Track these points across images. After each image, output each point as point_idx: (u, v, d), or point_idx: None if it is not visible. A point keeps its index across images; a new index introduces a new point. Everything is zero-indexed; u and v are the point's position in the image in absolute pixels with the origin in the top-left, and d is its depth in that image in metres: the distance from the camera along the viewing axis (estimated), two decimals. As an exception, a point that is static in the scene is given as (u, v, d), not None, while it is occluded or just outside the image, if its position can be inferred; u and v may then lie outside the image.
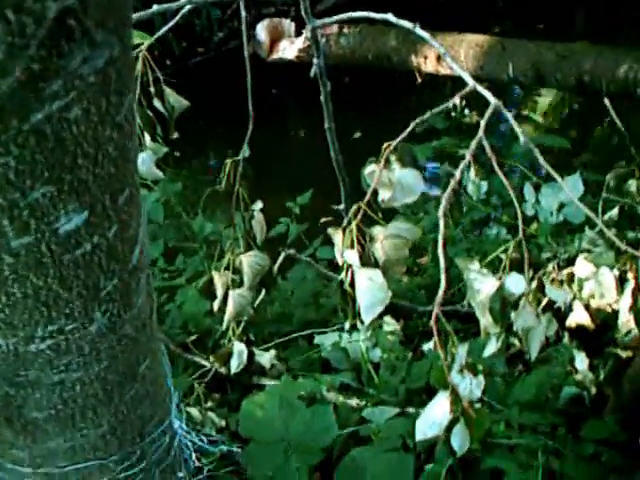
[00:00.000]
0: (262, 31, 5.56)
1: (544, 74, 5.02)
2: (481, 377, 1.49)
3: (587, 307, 2.40)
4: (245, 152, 2.22)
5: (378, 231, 1.70)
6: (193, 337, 2.95)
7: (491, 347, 1.71)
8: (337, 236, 1.73)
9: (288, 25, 5.43)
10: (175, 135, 2.17)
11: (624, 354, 2.35)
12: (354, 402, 2.47)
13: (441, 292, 1.45)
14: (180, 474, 1.83)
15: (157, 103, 2.08)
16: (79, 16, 0.80)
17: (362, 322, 1.67)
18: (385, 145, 1.66)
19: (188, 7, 2.04)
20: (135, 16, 1.97)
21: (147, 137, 2.12)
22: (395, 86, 6.12)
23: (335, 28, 5.90)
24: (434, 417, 1.51)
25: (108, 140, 0.97)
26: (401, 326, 2.85)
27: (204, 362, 2.73)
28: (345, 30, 5.90)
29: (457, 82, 1.68)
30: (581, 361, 2.41)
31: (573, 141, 4.76)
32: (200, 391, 2.53)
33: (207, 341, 2.96)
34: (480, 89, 1.63)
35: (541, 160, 1.59)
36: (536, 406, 2.28)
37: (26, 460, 1.46)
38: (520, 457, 2.10)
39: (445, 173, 3.88)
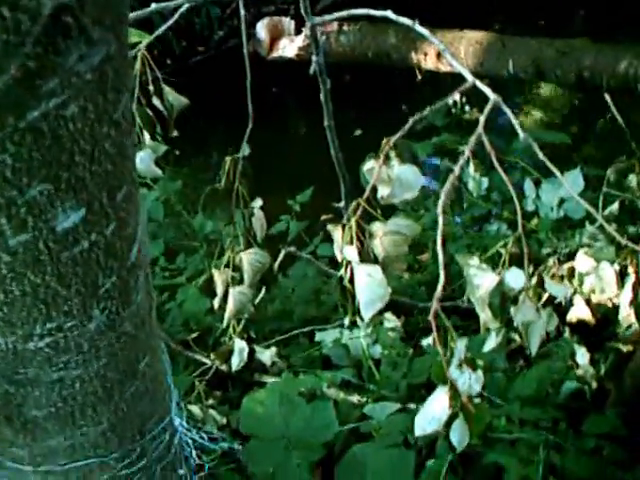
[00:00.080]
0: (262, 29, 5.56)
1: (544, 70, 5.02)
2: (480, 372, 1.49)
3: (588, 302, 2.41)
4: (245, 150, 2.22)
5: (377, 227, 1.70)
6: (194, 335, 2.95)
7: (491, 342, 1.71)
8: (336, 232, 1.73)
9: (288, 23, 5.43)
10: (175, 133, 2.17)
11: (625, 348, 2.35)
12: (355, 398, 2.48)
13: (440, 287, 1.45)
14: (181, 471, 1.83)
15: (156, 101, 2.08)
16: (75, 13, 0.80)
17: (362, 318, 1.67)
18: (384, 141, 1.66)
19: (186, 6, 2.04)
20: (134, 15, 1.98)
21: (146, 135, 2.12)
22: (395, 84, 6.13)
23: (335, 26, 5.90)
24: (433, 412, 1.51)
25: (105, 137, 0.97)
26: (402, 322, 2.85)
27: (205, 360, 2.74)
28: (345, 28, 5.90)
29: (457, 79, 1.67)
30: (582, 356, 2.41)
31: (574, 136, 4.76)
32: (201, 389, 2.53)
33: (208, 339, 2.97)
34: (479, 85, 1.63)
35: (541, 155, 1.59)
36: (537, 401, 2.28)
37: (26, 458, 1.47)
38: (521, 452, 2.11)
39: (445, 168, 3.88)
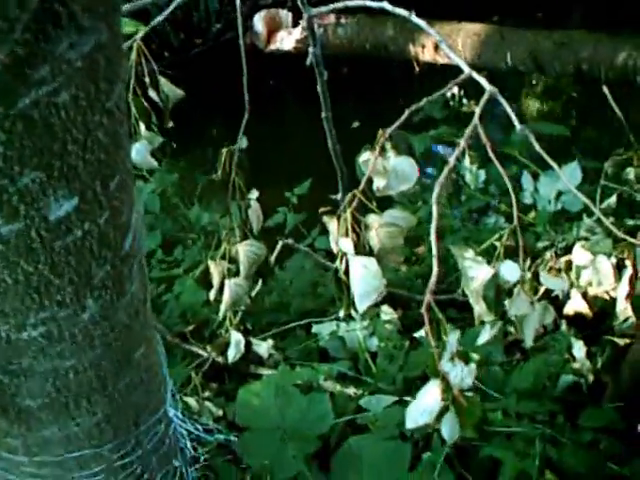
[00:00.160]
0: (259, 22, 5.55)
1: (542, 62, 5.01)
2: (473, 365, 1.48)
3: (585, 295, 2.41)
4: (243, 143, 2.22)
5: (373, 219, 1.70)
6: (191, 327, 2.95)
7: (485, 335, 1.71)
8: (332, 224, 1.73)
9: (285, 16, 5.43)
10: (170, 124, 2.16)
11: (622, 342, 2.35)
12: (351, 391, 2.47)
13: (433, 279, 1.45)
14: (176, 462, 1.83)
15: (152, 93, 2.08)
16: (65, 0, 0.80)
17: (357, 310, 1.67)
18: (380, 132, 1.66)
19: (182, -4, 2.03)
20: (129, 6, 1.97)
21: (142, 127, 2.12)
22: (393, 76, 6.12)
23: (332, 18, 5.89)
24: (425, 405, 1.51)
25: (98, 126, 0.97)
26: (399, 315, 2.84)
27: (201, 352, 2.73)
28: (343, 20, 5.89)
29: (455, 71, 1.67)
30: (579, 349, 2.41)
31: (572, 129, 4.75)
32: (197, 381, 2.53)
33: (205, 331, 2.96)
34: (476, 76, 1.62)
35: (537, 147, 1.59)
36: (534, 394, 2.27)
37: (21, 449, 1.46)
38: (518, 445, 2.10)
39: (444, 155, 3.88)
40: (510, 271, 1.56)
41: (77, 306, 1.17)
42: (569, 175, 2.94)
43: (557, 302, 2.46)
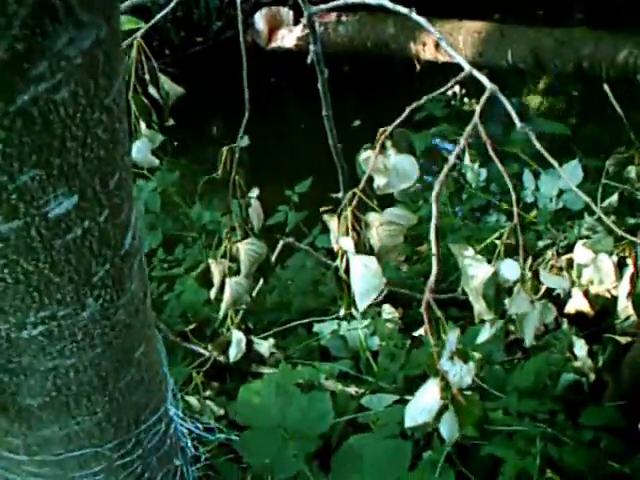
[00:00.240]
0: (260, 20, 5.55)
1: (543, 60, 5.01)
2: (472, 364, 1.48)
3: (586, 293, 2.40)
4: (244, 141, 2.21)
5: (373, 218, 1.69)
6: (192, 326, 2.94)
7: (485, 333, 1.70)
8: (332, 223, 1.72)
9: (286, 13, 5.41)
10: (171, 122, 2.16)
11: (623, 340, 2.34)
12: (352, 390, 2.47)
13: (432, 278, 1.44)
14: (177, 462, 1.83)
15: (152, 90, 2.07)
16: (62, -5, 0.79)
17: (357, 309, 1.66)
18: (380, 130, 1.65)
19: (182, -6, 2.03)
20: (130, 2, 1.97)
21: (143, 125, 2.11)
22: (394, 74, 6.11)
23: (334, 16, 5.89)
24: (424, 404, 1.51)
25: (97, 123, 0.97)
26: (400, 314, 2.84)
27: (203, 351, 2.73)
28: (344, 18, 5.89)
29: (456, 69, 1.66)
30: (580, 347, 2.41)
31: (573, 127, 4.75)
32: (199, 380, 2.52)
33: (206, 330, 2.96)
34: (476, 73, 1.61)
35: (538, 146, 1.58)
36: (535, 393, 2.27)
37: (21, 448, 1.46)
38: (519, 444, 2.10)
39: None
40: (510, 269, 1.55)
41: (77, 305, 1.16)
42: (570, 173, 2.93)
43: (558, 301, 2.46)
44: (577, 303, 2.42)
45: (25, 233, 0.99)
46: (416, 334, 2.55)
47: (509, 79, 5.73)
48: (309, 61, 2.15)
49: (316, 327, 2.84)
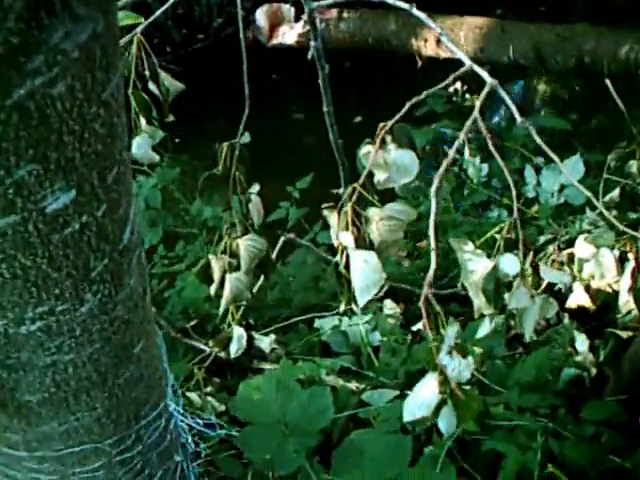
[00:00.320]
0: (261, 16, 5.52)
1: (544, 56, 5.00)
2: (470, 358, 1.47)
3: (587, 288, 2.40)
4: (245, 138, 2.21)
5: (373, 213, 1.69)
6: (193, 322, 2.94)
7: (485, 328, 1.70)
8: (333, 218, 1.72)
9: (287, 10, 5.39)
10: (171, 118, 2.15)
11: (624, 335, 2.34)
12: (353, 385, 2.47)
13: (431, 272, 1.44)
14: (177, 457, 1.83)
15: (152, 86, 2.07)
16: (59, -13, 0.79)
17: (357, 304, 1.66)
18: (380, 125, 1.65)
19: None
20: (129, -1, 1.96)
21: (143, 121, 2.11)
22: (395, 70, 6.10)
23: (335, 13, 5.89)
24: (423, 398, 1.50)
25: (95, 117, 0.96)
26: (401, 309, 2.84)
27: (204, 347, 2.73)
28: (345, 14, 5.88)
29: (458, 65, 1.66)
30: (581, 342, 2.40)
31: (574, 122, 4.74)
32: (200, 376, 2.52)
33: (207, 326, 2.96)
34: (476, 68, 1.61)
35: (538, 140, 1.58)
36: (536, 388, 2.27)
37: (21, 444, 1.46)
38: (520, 439, 2.10)
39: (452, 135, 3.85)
40: (509, 264, 1.55)
41: (76, 300, 1.16)
42: (572, 168, 2.93)
43: (560, 295, 2.45)
44: (578, 298, 2.41)
45: (22, 228, 0.99)
46: (415, 328, 2.56)
47: (511, 74, 5.72)
48: (310, 57, 2.15)
49: (317, 323, 2.84)
